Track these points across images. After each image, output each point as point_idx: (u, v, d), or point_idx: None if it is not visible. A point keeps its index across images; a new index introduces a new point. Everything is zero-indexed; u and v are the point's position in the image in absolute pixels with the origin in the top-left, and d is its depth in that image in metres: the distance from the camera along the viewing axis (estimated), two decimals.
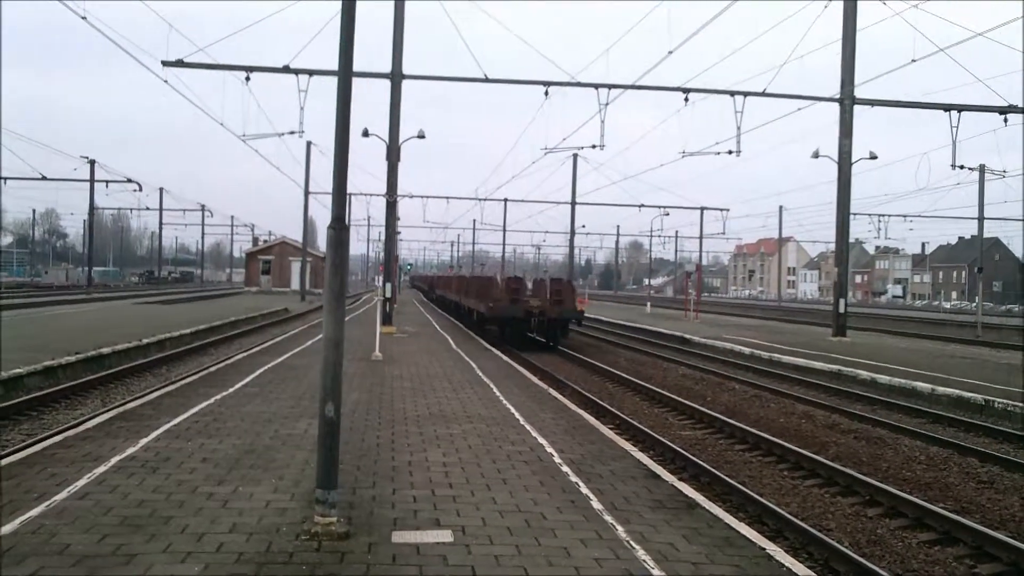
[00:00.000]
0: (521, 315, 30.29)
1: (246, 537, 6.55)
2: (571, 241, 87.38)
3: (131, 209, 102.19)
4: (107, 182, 71.14)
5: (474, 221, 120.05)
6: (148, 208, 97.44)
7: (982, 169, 46.82)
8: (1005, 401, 16.55)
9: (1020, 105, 31.43)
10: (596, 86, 31.28)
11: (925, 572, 7.98)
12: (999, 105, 31.29)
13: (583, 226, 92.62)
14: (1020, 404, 16.18)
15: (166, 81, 28.47)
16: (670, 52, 28.54)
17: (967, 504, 10.29)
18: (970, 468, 12.13)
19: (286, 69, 29.49)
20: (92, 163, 70.58)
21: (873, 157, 36.20)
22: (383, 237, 35.77)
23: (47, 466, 8.66)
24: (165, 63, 28.52)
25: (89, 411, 14.75)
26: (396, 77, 29.22)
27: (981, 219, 50.20)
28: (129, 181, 68.86)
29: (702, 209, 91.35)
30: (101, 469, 8.55)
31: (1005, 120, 31.52)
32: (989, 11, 31.12)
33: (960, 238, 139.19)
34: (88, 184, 71.69)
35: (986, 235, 63.69)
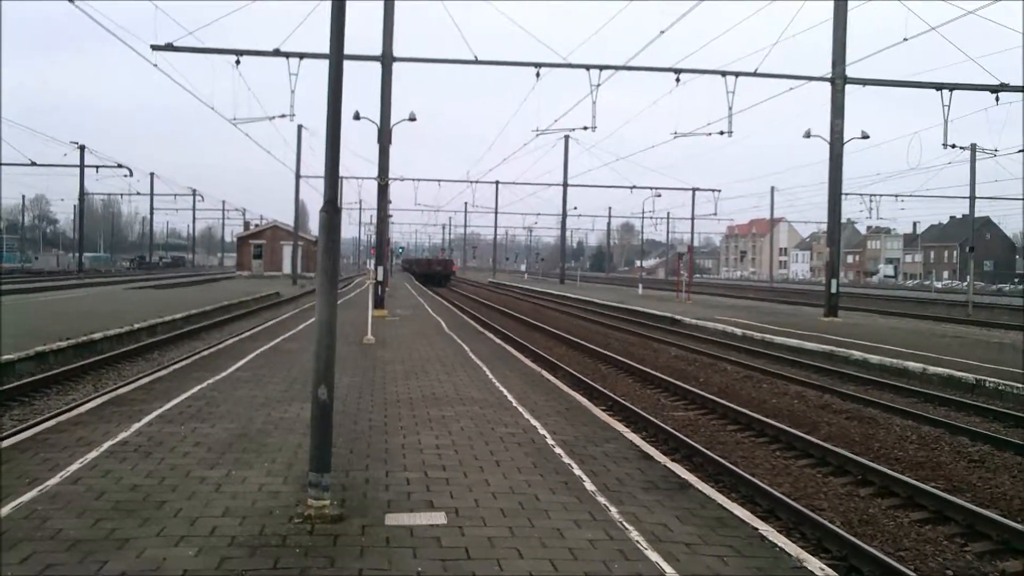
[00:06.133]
0: (430, 272, 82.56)
1: (239, 521, 6.55)
2: (563, 223, 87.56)
3: (121, 194, 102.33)
4: (97, 167, 71.24)
5: (465, 204, 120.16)
6: (139, 193, 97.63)
7: (974, 148, 46.94)
8: (996, 380, 16.61)
9: (1012, 84, 31.45)
10: (587, 67, 31.26)
11: (917, 551, 8.01)
12: (991, 84, 31.32)
13: (575, 208, 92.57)
14: (1011, 383, 16.23)
15: (155, 65, 28.38)
16: (662, 32, 28.59)
17: (958, 483, 10.33)
18: (961, 447, 12.17)
19: (276, 53, 29.40)
20: (82, 148, 70.51)
21: (865, 137, 36.23)
22: (375, 220, 35.73)
23: (39, 451, 8.65)
24: (154, 47, 28.40)
25: (81, 396, 14.73)
26: (387, 59, 29.10)
27: (973, 198, 50.35)
28: (119, 166, 68.90)
29: (694, 190, 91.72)
30: (93, 454, 8.55)
31: (997, 99, 31.57)
32: None
33: (952, 217, 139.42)
34: (78, 170, 71.56)
35: (977, 214, 63.83)
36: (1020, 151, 44.72)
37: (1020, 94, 32.18)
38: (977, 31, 30.65)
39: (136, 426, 10.00)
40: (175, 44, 28.63)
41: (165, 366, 16.97)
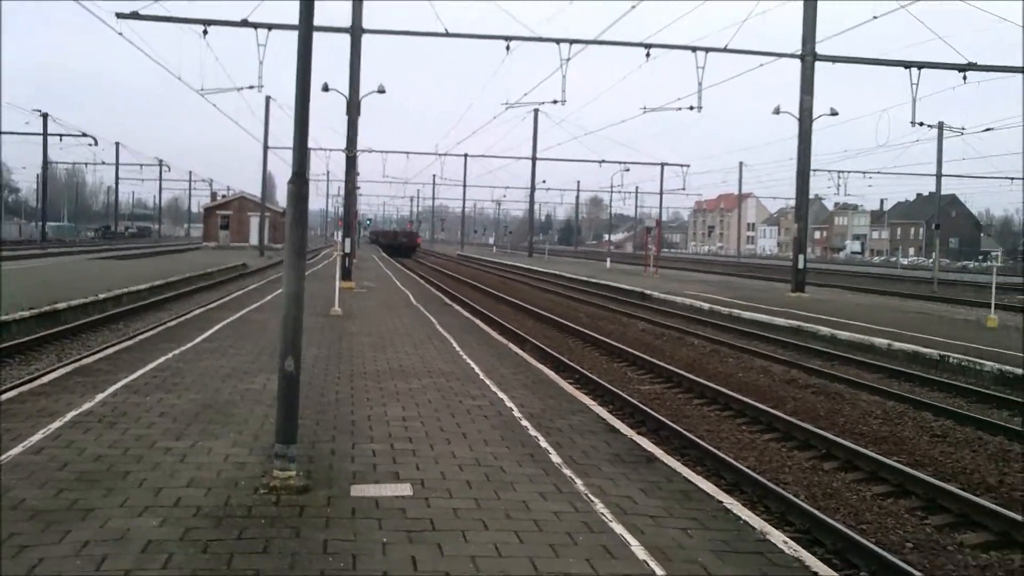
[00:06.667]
0: (395, 243, 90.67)
1: (204, 491, 6.53)
2: (531, 196, 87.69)
3: (86, 164, 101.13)
4: (61, 136, 70.21)
5: (434, 176, 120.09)
6: (104, 163, 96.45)
7: (941, 126, 47.23)
8: (960, 356, 16.79)
9: (979, 63, 31.67)
10: (558, 41, 31.16)
11: (878, 523, 8.10)
12: (958, 63, 31.54)
13: (543, 181, 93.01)
14: (974, 359, 16.42)
15: (121, 34, 27.98)
16: (633, 6, 28.47)
17: (920, 457, 10.45)
18: (924, 422, 12.30)
19: (245, 23, 29.06)
20: (45, 116, 69.44)
21: (834, 114, 36.36)
22: (342, 192, 35.54)
23: (0, 421, 8.55)
24: (119, 15, 27.99)
25: (44, 366, 14.58)
26: (356, 31, 28.87)
27: (939, 176, 50.68)
28: (84, 135, 67.96)
29: (663, 165, 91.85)
30: (56, 424, 8.47)
31: (964, 78, 31.83)
32: None
33: (918, 195, 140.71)
34: (41, 138, 70.54)
35: (944, 192, 64.34)
36: (986, 130, 45.16)
37: (987, 73, 32.43)
38: (945, 10, 30.87)
39: (100, 396, 9.92)
40: (140, 12, 28.23)
41: (130, 337, 16.83)
